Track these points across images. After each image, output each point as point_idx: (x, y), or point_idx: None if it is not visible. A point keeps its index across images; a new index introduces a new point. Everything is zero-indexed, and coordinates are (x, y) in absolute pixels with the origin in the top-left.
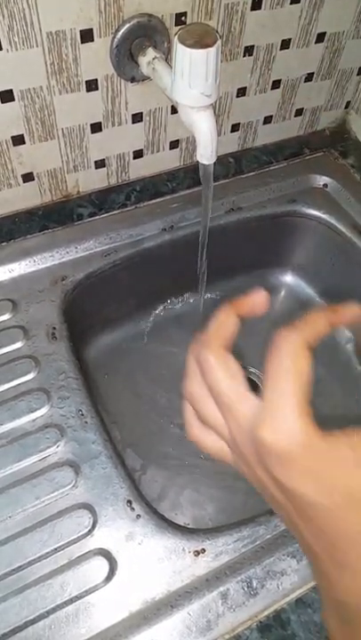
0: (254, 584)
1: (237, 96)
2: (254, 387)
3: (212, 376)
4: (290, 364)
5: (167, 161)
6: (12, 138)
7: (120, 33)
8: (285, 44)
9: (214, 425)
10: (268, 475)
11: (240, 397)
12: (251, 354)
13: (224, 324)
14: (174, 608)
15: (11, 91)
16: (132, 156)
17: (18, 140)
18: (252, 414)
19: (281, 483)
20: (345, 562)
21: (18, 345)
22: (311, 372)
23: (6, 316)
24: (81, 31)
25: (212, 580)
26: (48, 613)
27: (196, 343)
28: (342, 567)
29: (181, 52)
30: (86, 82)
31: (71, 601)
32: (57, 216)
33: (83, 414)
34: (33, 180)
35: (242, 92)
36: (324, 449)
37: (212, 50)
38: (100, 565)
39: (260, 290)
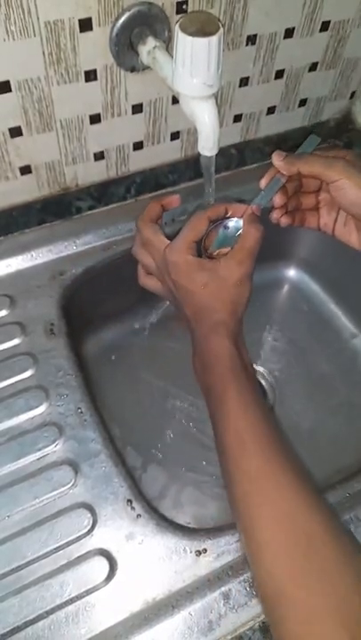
0: None
1: (240, 86)
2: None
3: (143, 234)
4: (190, 224)
5: (168, 152)
6: (10, 129)
7: (120, 22)
8: (289, 33)
9: (149, 266)
10: (169, 277)
11: (158, 239)
12: (252, 351)
13: (153, 208)
14: (175, 608)
15: (8, 81)
16: (131, 147)
17: (15, 132)
18: (165, 246)
19: (173, 279)
20: (200, 318)
21: (15, 341)
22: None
23: (3, 312)
24: (80, 20)
25: (213, 580)
26: (47, 614)
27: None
28: (198, 322)
29: (183, 41)
30: (85, 72)
31: (71, 601)
32: (55, 209)
33: (82, 412)
34: (30, 172)
35: (244, 81)
36: (193, 262)
37: (214, 38)
38: (100, 565)
39: (175, 194)
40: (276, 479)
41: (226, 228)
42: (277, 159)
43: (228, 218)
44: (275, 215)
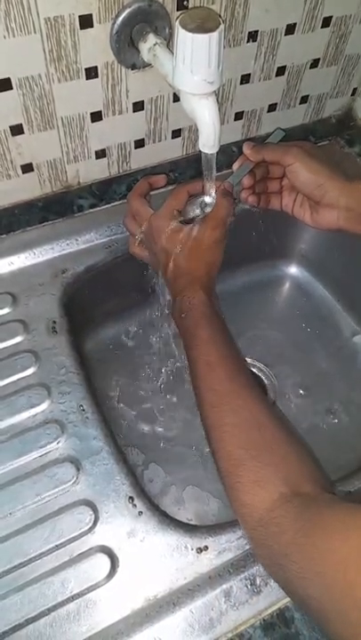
0: (258, 582)
1: (241, 83)
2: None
3: (132, 206)
4: (172, 195)
5: (169, 150)
6: (11, 127)
7: (120, 18)
8: (290, 29)
9: (137, 234)
10: (153, 241)
11: (145, 210)
12: (252, 348)
13: (141, 185)
14: (177, 606)
15: (8, 79)
16: (133, 145)
17: (16, 130)
18: (151, 214)
19: (157, 242)
20: (179, 275)
21: (18, 339)
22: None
23: (6, 310)
24: (80, 17)
25: (214, 577)
26: (49, 611)
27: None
28: (177, 278)
29: (183, 37)
30: (86, 69)
31: (72, 598)
32: (57, 207)
33: (84, 410)
34: (32, 170)
35: (245, 78)
36: (174, 227)
37: (214, 34)
38: (102, 562)
39: (161, 175)
40: (237, 393)
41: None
42: (247, 148)
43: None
44: (243, 195)
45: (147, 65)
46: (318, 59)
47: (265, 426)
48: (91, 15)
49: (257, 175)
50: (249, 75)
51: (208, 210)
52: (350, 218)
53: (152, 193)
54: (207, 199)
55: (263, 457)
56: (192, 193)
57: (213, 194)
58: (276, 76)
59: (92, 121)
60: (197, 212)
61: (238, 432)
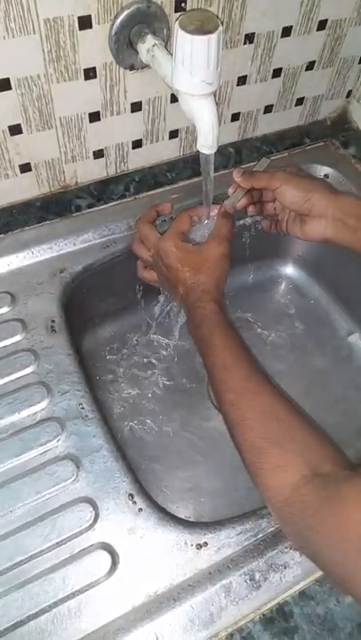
0: (257, 577)
1: (238, 85)
2: None
3: (141, 231)
4: (177, 219)
5: (167, 151)
6: (9, 127)
7: (119, 20)
8: (286, 32)
9: (145, 259)
10: (162, 263)
11: (153, 234)
12: (253, 346)
13: (149, 213)
14: (177, 601)
15: (7, 79)
16: (131, 145)
17: (15, 130)
18: (158, 238)
19: (165, 263)
20: (189, 291)
21: (17, 338)
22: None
23: (5, 309)
24: (79, 18)
25: (214, 573)
26: (50, 607)
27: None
28: (188, 294)
29: (182, 39)
30: (84, 70)
31: (73, 595)
32: (55, 207)
33: (83, 408)
34: (30, 170)
35: (242, 80)
36: (181, 246)
37: (213, 36)
38: (102, 559)
39: (167, 203)
40: (254, 390)
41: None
42: (237, 175)
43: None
44: (243, 206)
45: (145, 66)
46: (314, 61)
47: (283, 416)
48: (90, 16)
49: (254, 197)
50: (245, 76)
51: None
52: (337, 227)
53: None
54: (209, 225)
55: (283, 444)
56: (194, 216)
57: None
58: (273, 77)
59: (91, 121)
60: (200, 236)
61: (258, 425)
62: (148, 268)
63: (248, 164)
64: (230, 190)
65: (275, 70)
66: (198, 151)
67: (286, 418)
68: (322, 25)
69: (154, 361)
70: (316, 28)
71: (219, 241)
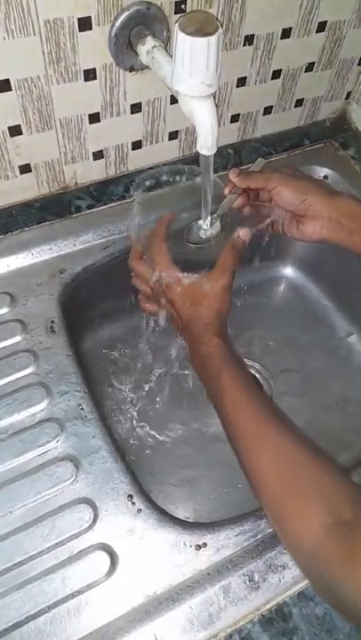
0: (256, 578)
1: (237, 86)
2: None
3: (134, 269)
4: (155, 252)
5: (166, 152)
6: (9, 128)
7: (119, 21)
8: (286, 33)
9: (146, 293)
10: (164, 296)
11: (147, 270)
12: (248, 348)
13: (135, 252)
14: (176, 602)
15: (7, 80)
16: (130, 146)
17: (15, 131)
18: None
19: (165, 296)
20: (192, 324)
21: (16, 339)
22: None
23: (4, 310)
24: (79, 19)
25: (213, 573)
26: (49, 608)
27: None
28: (190, 328)
29: (182, 41)
30: (84, 71)
31: (72, 596)
32: (55, 208)
33: (82, 408)
34: (30, 171)
35: (242, 81)
36: (182, 280)
37: (213, 38)
38: (102, 560)
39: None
40: (268, 435)
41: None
42: (233, 175)
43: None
44: (240, 207)
45: (145, 67)
46: (313, 62)
47: (300, 460)
48: (90, 18)
49: (251, 198)
50: (245, 78)
51: (209, 232)
52: (332, 227)
53: None
54: (202, 225)
55: (303, 491)
56: (165, 235)
57: (209, 221)
58: (272, 79)
59: (90, 122)
60: (204, 234)
61: (275, 471)
62: (149, 300)
63: (247, 165)
64: (226, 191)
65: (274, 72)
66: (198, 152)
67: (303, 461)
68: (321, 27)
69: (154, 362)
70: (315, 30)
71: (222, 272)
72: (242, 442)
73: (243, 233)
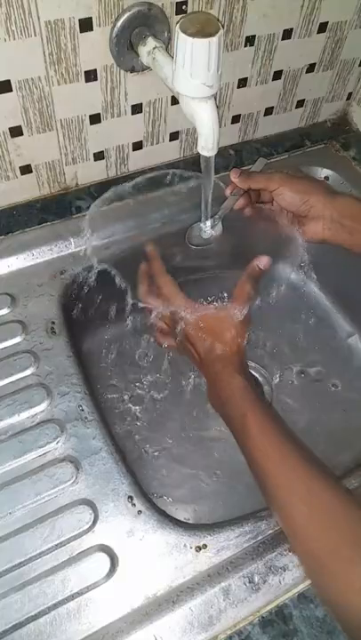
0: (256, 579)
1: (238, 87)
2: (255, 380)
3: (159, 283)
4: (172, 297)
5: (167, 153)
6: (10, 129)
7: (120, 22)
8: (287, 34)
9: (162, 328)
10: (182, 333)
11: (174, 291)
12: (249, 349)
13: (156, 262)
14: (176, 604)
15: (8, 81)
16: (131, 147)
17: (15, 132)
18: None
19: (184, 332)
20: (211, 361)
21: (17, 340)
22: None
23: (5, 311)
24: (80, 20)
25: (213, 575)
26: (49, 609)
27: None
28: (210, 364)
29: (183, 42)
30: (85, 72)
31: (72, 597)
32: (55, 209)
33: (82, 409)
34: (31, 172)
35: (243, 82)
36: (200, 312)
37: (214, 39)
38: (102, 561)
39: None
40: (299, 483)
41: None
42: (234, 176)
43: None
44: (241, 208)
45: (146, 68)
46: (314, 63)
47: (340, 519)
48: (91, 19)
49: (252, 198)
50: (246, 79)
51: (211, 234)
52: (334, 228)
53: None
54: (203, 226)
55: (349, 559)
56: (163, 267)
57: (209, 223)
58: (273, 80)
59: (91, 123)
60: (205, 235)
61: (315, 532)
62: (166, 335)
63: (248, 166)
64: (227, 191)
65: (275, 73)
66: (199, 153)
67: (344, 518)
68: (322, 27)
69: (154, 363)
70: (316, 31)
71: (240, 305)
72: (273, 490)
73: (263, 262)
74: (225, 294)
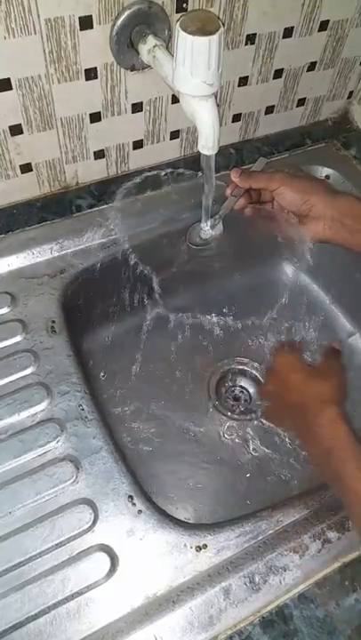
0: (257, 579)
1: (239, 85)
2: (254, 380)
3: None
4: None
5: (167, 151)
6: (10, 127)
7: (120, 20)
8: (288, 33)
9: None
10: (284, 384)
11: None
12: (250, 349)
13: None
14: (176, 604)
15: (8, 79)
16: (131, 146)
17: (16, 130)
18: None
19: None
20: (316, 411)
21: (17, 339)
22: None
23: (5, 310)
24: (80, 18)
25: (214, 575)
26: (49, 609)
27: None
28: (316, 415)
29: (183, 40)
30: (85, 70)
31: (72, 597)
32: (56, 207)
33: (83, 409)
34: (31, 170)
35: (243, 81)
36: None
37: (214, 37)
38: (102, 561)
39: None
40: None
41: None
42: (235, 175)
43: None
44: (242, 209)
45: (146, 66)
46: (315, 62)
47: None
48: (91, 16)
49: (253, 198)
50: (247, 77)
51: (211, 233)
52: (335, 228)
53: None
54: (204, 226)
55: None
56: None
57: (209, 223)
58: (274, 78)
59: (91, 121)
60: (205, 235)
61: None
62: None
63: (249, 165)
64: (228, 191)
65: (276, 71)
66: (199, 152)
67: None
68: (323, 26)
69: (154, 362)
70: (317, 29)
71: (338, 370)
72: None
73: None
74: None
